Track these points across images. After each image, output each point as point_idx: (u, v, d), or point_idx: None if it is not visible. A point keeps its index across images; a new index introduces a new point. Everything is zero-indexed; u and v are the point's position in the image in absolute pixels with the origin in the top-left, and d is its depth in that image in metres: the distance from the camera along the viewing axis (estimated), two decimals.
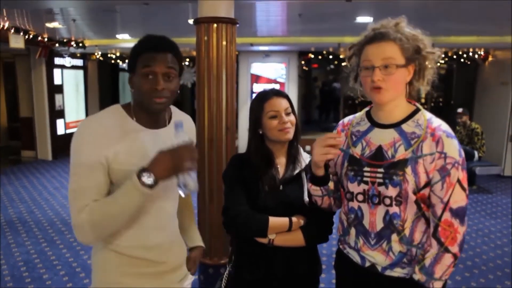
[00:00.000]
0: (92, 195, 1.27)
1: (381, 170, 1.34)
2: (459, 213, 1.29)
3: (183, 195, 1.32)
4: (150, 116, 1.38)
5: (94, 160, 1.26)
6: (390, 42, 1.31)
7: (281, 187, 1.64)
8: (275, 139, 1.65)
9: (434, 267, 1.30)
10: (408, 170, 1.30)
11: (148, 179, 1.21)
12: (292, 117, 1.64)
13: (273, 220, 1.58)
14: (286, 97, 1.67)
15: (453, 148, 1.29)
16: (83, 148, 1.27)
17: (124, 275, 1.38)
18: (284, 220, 1.60)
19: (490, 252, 4.17)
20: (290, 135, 1.64)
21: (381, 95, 1.33)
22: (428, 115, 1.38)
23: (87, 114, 9.62)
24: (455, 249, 1.29)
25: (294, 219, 1.61)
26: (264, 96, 1.66)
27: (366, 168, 1.37)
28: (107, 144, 1.28)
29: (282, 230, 1.60)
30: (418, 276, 1.32)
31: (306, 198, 1.62)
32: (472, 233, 4.70)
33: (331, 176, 1.47)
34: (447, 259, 1.29)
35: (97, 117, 1.34)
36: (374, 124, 1.43)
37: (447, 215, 1.29)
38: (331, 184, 1.46)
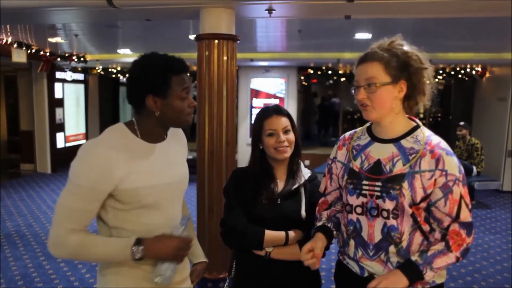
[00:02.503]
0: (84, 220, 1.32)
1: (379, 183, 1.38)
2: (466, 226, 1.35)
3: (157, 280, 1.38)
4: (161, 134, 1.44)
5: (98, 187, 1.29)
6: (373, 62, 1.37)
7: (279, 201, 1.66)
8: (272, 156, 1.68)
9: (435, 258, 1.34)
10: (405, 184, 1.34)
11: (138, 253, 1.31)
12: (290, 135, 1.67)
13: (269, 234, 1.61)
14: (287, 115, 1.70)
15: (453, 165, 1.34)
16: (90, 172, 1.28)
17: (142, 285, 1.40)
18: (281, 233, 1.62)
19: (490, 268, 4.15)
20: (287, 154, 1.67)
21: (367, 112, 1.40)
22: (427, 132, 1.43)
23: (87, 128, 9.65)
24: (458, 253, 1.35)
25: (290, 233, 1.63)
26: (265, 114, 1.70)
27: (364, 182, 1.41)
28: (115, 168, 1.29)
29: (279, 244, 1.62)
30: (415, 257, 1.35)
31: (303, 213, 1.65)
32: (471, 248, 4.64)
33: (334, 233, 1.54)
34: (450, 257, 1.35)
35: (105, 140, 1.35)
36: (374, 138, 1.47)
37: (455, 226, 1.35)
38: (333, 239, 1.54)
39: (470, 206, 1.36)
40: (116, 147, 1.32)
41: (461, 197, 1.34)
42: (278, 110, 1.69)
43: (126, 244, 1.31)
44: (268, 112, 1.69)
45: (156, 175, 1.38)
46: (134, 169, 1.33)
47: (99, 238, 1.35)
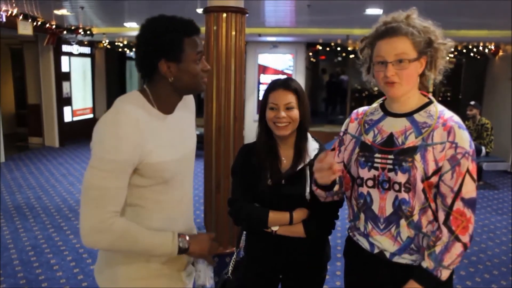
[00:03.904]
0: (121, 200, 1.25)
1: (391, 156, 1.36)
2: (470, 204, 1.32)
3: (207, 285, 1.42)
4: (174, 102, 1.37)
5: (128, 160, 1.22)
6: (402, 37, 1.32)
7: (283, 182, 1.65)
8: (272, 130, 1.65)
9: (444, 255, 1.32)
10: (417, 157, 1.33)
11: (183, 244, 1.32)
12: (293, 112, 1.60)
13: (273, 215, 1.62)
14: (294, 90, 1.62)
15: (464, 139, 1.32)
16: (121, 145, 1.20)
17: (153, 266, 1.37)
18: (285, 214, 1.62)
19: (495, 248, 4.17)
20: (285, 131, 1.61)
21: (395, 89, 1.35)
22: (440, 107, 1.41)
23: (94, 102, 9.66)
24: (465, 238, 1.32)
25: (294, 213, 1.63)
26: (272, 86, 1.66)
27: (377, 155, 1.39)
28: (143, 140, 1.23)
29: (283, 224, 1.63)
30: (426, 263, 1.34)
31: (307, 195, 1.63)
32: (477, 228, 4.68)
33: (337, 179, 1.48)
34: (457, 248, 1.31)
35: (129, 110, 1.25)
36: (387, 113, 1.45)
37: (459, 205, 1.31)
38: (336, 187, 1.49)
39: (476, 183, 1.33)
40: (142, 117, 1.26)
41: (468, 171, 1.30)
42: (286, 84, 1.63)
43: (172, 236, 1.29)
44: (274, 85, 1.65)
45: (174, 148, 1.35)
46: (156, 142, 1.29)
47: (143, 228, 1.27)
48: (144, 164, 1.26)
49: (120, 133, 1.21)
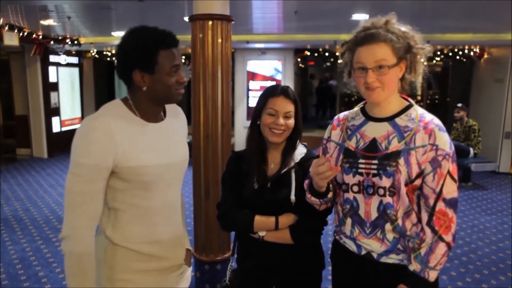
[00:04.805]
0: (94, 204, 1.28)
1: (375, 161, 1.38)
2: (452, 204, 1.34)
3: None
4: (154, 110, 1.41)
5: (102, 163, 1.26)
6: (381, 44, 1.33)
7: (268, 185, 1.65)
8: (265, 135, 1.65)
9: (429, 257, 1.34)
10: (401, 161, 1.34)
11: None
12: (290, 121, 1.62)
13: (258, 220, 1.61)
14: (294, 100, 1.64)
15: (445, 141, 1.34)
16: (91, 149, 1.25)
17: (134, 272, 1.39)
18: (270, 219, 1.62)
19: (485, 248, 4.20)
20: (279, 138, 1.63)
21: (376, 94, 1.37)
22: (420, 110, 1.43)
23: (82, 112, 9.58)
24: (448, 238, 1.34)
25: (280, 218, 1.62)
26: (272, 91, 1.65)
27: (361, 160, 1.41)
28: (115, 144, 1.27)
29: (269, 229, 1.62)
30: (413, 266, 1.36)
31: (292, 198, 1.62)
32: (467, 229, 4.72)
33: (331, 186, 1.48)
34: (441, 248, 1.33)
35: (103, 116, 1.31)
36: (369, 118, 1.46)
37: (441, 205, 1.33)
38: (330, 194, 1.49)
39: (457, 183, 1.36)
40: (115, 123, 1.30)
41: (449, 172, 1.33)
42: (286, 93, 1.63)
43: None
44: (275, 91, 1.64)
45: (157, 155, 1.37)
46: (135, 147, 1.32)
47: (91, 273, 1.34)
48: (121, 167, 1.29)
49: (90, 138, 1.25)
